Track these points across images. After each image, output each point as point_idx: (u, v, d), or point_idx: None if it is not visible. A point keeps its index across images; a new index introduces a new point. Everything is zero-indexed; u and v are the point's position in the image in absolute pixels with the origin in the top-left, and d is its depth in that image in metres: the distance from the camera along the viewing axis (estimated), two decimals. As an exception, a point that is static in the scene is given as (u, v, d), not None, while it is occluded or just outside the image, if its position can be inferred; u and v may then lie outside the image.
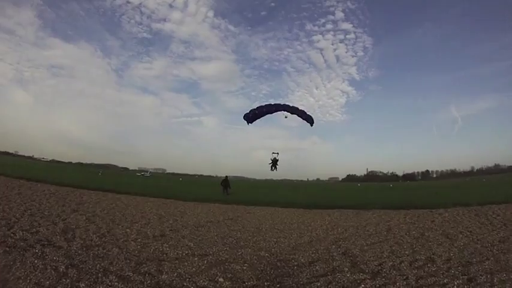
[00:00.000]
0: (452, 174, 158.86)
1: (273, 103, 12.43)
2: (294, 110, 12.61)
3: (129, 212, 13.49)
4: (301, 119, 12.58)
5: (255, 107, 12.56)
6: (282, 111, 12.64)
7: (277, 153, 16.32)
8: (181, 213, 14.35)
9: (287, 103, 12.28)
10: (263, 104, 12.52)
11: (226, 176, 29.27)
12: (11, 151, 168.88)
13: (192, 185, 47.43)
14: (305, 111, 12.55)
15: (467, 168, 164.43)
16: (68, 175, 39.97)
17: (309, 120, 12.83)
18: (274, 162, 16.32)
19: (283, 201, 22.75)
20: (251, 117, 12.56)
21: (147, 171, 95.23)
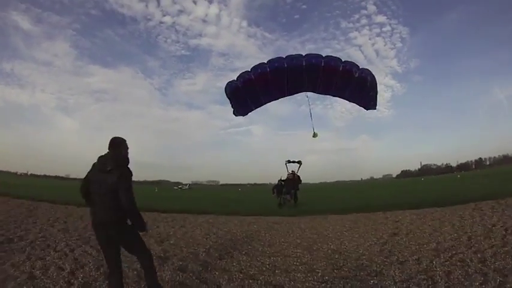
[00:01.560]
0: (505, 159, 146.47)
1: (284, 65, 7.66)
2: (334, 88, 8.15)
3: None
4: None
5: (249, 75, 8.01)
6: (305, 92, 8.64)
7: (297, 161, 17.70)
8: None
9: (317, 62, 7.57)
10: (267, 65, 7.85)
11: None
12: (61, 175, 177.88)
13: (256, 194, 43.55)
14: (360, 84, 7.70)
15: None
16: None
17: (367, 101, 8.32)
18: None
19: (373, 204, 17.27)
20: (242, 104, 8.76)
21: (185, 184, 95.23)
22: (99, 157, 3.79)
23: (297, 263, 6.14)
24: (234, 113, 9.25)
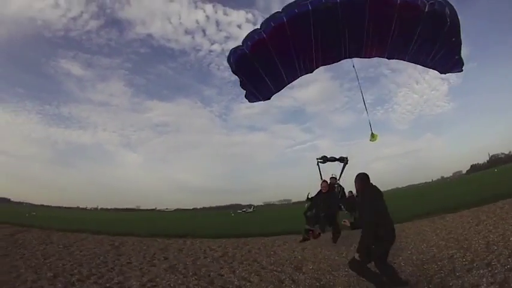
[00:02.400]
0: None
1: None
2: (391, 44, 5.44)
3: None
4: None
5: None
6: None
7: (338, 158, 8.78)
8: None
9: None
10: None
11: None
12: (132, 207, 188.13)
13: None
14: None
15: None
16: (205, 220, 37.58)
17: (447, 55, 5.36)
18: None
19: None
20: (255, 80, 6.17)
21: (250, 207, 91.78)
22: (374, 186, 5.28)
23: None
24: (246, 97, 6.74)
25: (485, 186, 24.01)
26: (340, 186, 9.40)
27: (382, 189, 5.22)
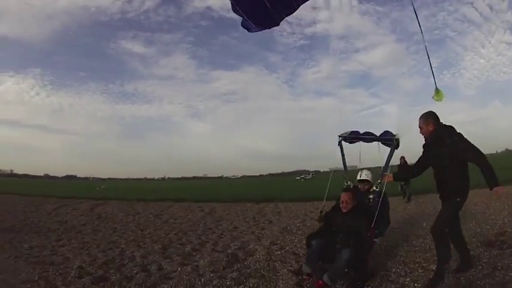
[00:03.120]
0: None
1: None
2: None
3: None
4: None
5: None
6: None
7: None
8: None
9: None
10: None
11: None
12: (200, 175, 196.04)
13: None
14: None
15: None
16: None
17: None
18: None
19: None
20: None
21: (308, 174, 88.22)
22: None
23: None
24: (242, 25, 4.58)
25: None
26: (380, 192, 4.66)
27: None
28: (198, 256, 5.70)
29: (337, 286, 3.88)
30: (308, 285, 4.01)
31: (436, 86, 4.63)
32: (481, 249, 5.01)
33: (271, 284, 4.18)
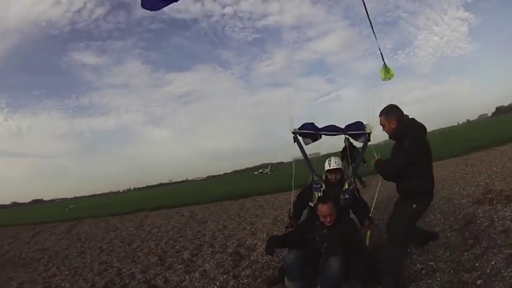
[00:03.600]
0: None
1: None
2: None
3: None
4: None
5: None
6: None
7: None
8: None
9: None
10: None
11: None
12: (165, 181, 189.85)
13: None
14: None
15: None
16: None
17: None
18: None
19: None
20: None
21: (267, 167, 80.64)
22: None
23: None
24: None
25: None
26: (353, 190, 4.33)
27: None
28: (200, 261, 5.52)
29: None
30: None
31: (384, 63, 4.52)
32: (473, 207, 5.35)
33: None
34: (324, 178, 4.45)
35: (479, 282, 3.03)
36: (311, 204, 4.36)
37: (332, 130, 4.40)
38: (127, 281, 5.09)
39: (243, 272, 4.51)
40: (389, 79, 4.59)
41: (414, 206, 3.17)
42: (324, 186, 4.33)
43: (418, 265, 3.64)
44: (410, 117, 3.31)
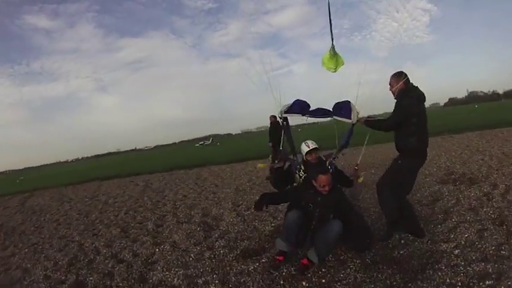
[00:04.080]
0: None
1: None
2: None
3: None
4: None
5: None
6: None
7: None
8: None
9: None
10: None
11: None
12: (113, 150, 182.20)
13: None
14: None
15: None
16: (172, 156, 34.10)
17: None
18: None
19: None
20: None
21: (208, 139, 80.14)
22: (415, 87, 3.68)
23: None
24: None
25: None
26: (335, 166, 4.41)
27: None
28: (167, 231, 5.32)
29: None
30: (282, 268, 3.42)
31: (332, 46, 4.14)
32: (438, 186, 5.72)
33: (261, 243, 4.18)
34: (303, 159, 4.36)
35: (456, 251, 3.22)
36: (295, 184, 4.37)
37: (320, 113, 4.33)
38: (92, 257, 4.69)
39: (217, 242, 4.39)
40: (333, 70, 4.23)
41: (400, 161, 3.62)
42: (302, 167, 4.29)
43: (396, 235, 3.73)
44: (414, 85, 3.69)
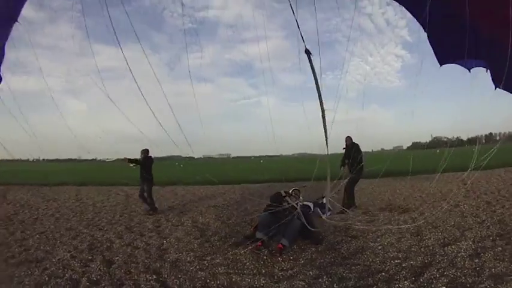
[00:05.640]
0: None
1: None
2: None
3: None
4: None
5: None
6: None
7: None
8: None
9: None
10: None
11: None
12: (74, 157, 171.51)
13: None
14: None
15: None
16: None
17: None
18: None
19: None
20: None
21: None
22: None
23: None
24: None
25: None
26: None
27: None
28: (167, 230, 6.40)
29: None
30: (264, 250, 4.96)
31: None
32: (377, 212, 7.66)
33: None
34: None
35: (380, 247, 4.87)
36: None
37: None
38: (108, 245, 5.49)
39: (212, 238, 5.69)
40: None
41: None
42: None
43: (339, 234, 5.65)
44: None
